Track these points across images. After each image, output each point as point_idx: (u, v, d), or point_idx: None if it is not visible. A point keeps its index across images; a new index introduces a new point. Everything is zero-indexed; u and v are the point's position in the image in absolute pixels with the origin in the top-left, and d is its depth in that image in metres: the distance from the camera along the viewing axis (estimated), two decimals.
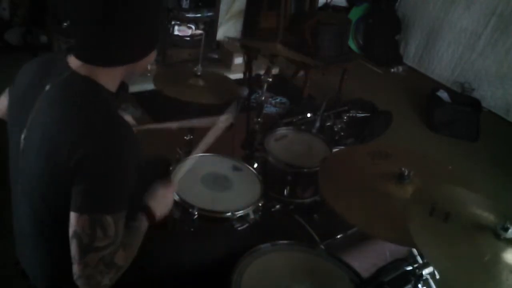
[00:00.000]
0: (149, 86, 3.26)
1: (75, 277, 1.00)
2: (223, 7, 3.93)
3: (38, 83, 1.09)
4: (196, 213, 1.53)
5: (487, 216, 1.07)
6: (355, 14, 4.83)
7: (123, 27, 1.02)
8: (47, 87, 1.06)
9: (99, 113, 1.02)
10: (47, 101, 1.05)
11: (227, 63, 3.91)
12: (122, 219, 1.03)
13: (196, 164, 1.71)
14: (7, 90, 1.25)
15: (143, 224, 1.18)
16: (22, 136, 1.08)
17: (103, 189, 0.99)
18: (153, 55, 1.14)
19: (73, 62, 1.07)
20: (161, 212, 1.23)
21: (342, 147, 2.23)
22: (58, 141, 1.00)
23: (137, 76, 1.74)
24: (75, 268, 0.99)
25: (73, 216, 0.98)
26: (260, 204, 1.66)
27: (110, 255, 1.00)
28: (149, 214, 1.20)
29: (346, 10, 4.84)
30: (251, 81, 2.25)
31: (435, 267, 0.99)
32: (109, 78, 1.08)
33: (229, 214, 1.55)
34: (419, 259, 1.20)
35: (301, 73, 3.84)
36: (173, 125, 1.67)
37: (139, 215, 1.18)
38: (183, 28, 3.76)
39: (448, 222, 1.02)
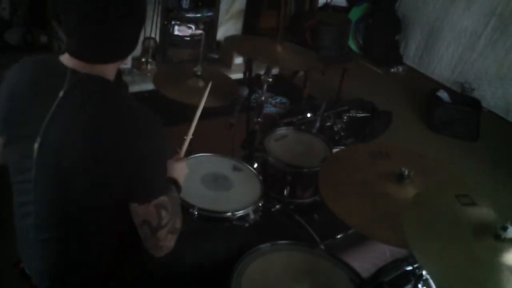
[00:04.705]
0: (149, 86, 3.26)
1: (149, 249, 1.15)
2: (223, 7, 3.93)
3: (42, 91, 1.07)
4: (196, 213, 1.53)
5: (487, 216, 1.07)
6: (355, 14, 4.83)
7: (121, 20, 1.02)
8: (61, 93, 1.04)
9: (123, 108, 1.07)
10: (66, 107, 1.04)
11: (227, 63, 3.91)
12: (170, 193, 1.18)
13: (196, 164, 1.71)
14: None
15: (175, 192, 1.29)
16: (36, 146, 1.05)
17: (153, 177, 1.10)
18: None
19: (76, 63, 1.05)
20: (182, 181, 1.37)
21: (342, 147, 2.23)
22: (88, 143, 1.02)
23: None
24: (149, 244, 1.13)
25: (138, 208, 1.09)
26: (260, 204, 1.66)
27: (173, 224, 1.15)
28: (177, 184, 1.32)
29: (346, 10, 4.84)
30: (251, 81, 2.25)
31: (433, 269, 0.98)
32: (111, 72, 1.11)
33: (229, 214, 1.55)
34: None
35: (301, 73, 3.84)
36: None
37: (170, 187, 1.28)
38: (183, 28, 3.76)
39: None
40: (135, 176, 1.06)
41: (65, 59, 1.06)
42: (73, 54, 1.05)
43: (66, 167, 1.04)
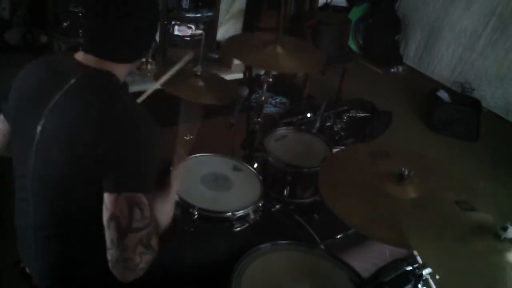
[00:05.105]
0: (149, 86, 3.26)
1: (111, 263, 1.01)
2: (223, 7, 3.93)
3: (51, 81, 1.10)
4: (196, 213, 1.53)
5: (487, 216, 1.07)
6: (355, 14, 4.83)
7: (121, 20, 1.06)
8: (69, 83, 1.07)
9: (121, 104, 1.08)
10: (70, 94, 1.07)
11: (227, 63, 3.91)
12: (153, 202, 1.06)
13: (196, 164, 1.71)
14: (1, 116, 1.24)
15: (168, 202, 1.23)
16: (39, 128, 1.08)
17: (135, 171, 1.02)
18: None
19: (87, 58, 1.10)
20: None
21: (342, 147, 2.23)
22: (83, 131, 1.03)
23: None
24: (113, 253, 1.00)
25: (109, 198, 0.99)
26: (260, 204, 1.66)
27: (148, 237, 1.02)
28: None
29: (346, 10, 4.84)
30: (251, 81, 2.25)
31: (433, 268, 0.98)
32: (120, 72, 1.14)
33: (229, 214, 1.55)
34: (419, 259, 1.20)
35: (301, 72, 3.84)
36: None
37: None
38: (183, 28, 3.76)
39: None
40: (115, 168, 1.01)
41: (79, 55, 1.13)
42: (84, 49, 1.11)
43: (60, 152, 1.04)
